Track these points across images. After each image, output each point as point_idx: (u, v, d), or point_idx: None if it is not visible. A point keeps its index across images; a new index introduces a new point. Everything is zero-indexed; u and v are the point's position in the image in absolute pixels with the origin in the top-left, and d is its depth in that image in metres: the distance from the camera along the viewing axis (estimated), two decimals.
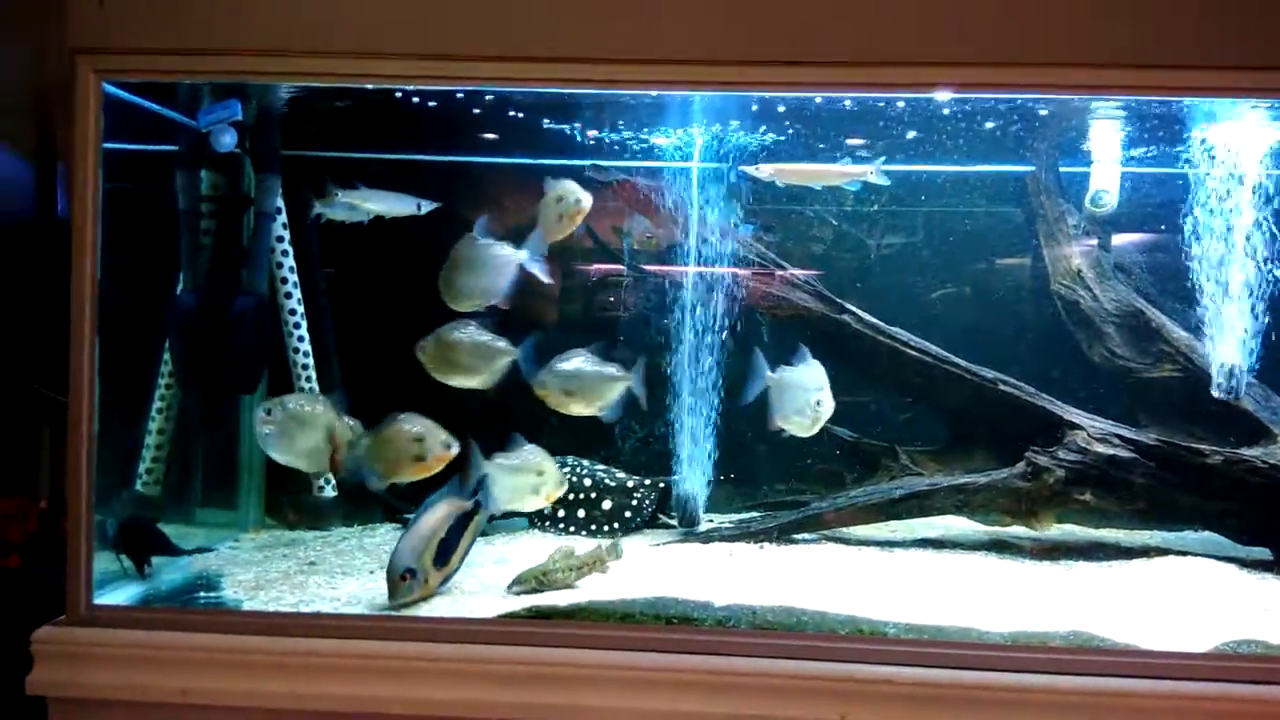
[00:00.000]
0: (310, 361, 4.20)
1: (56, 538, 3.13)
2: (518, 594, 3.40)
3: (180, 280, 3.96)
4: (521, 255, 3.55)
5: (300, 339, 4.20)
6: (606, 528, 4.28)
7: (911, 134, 4.08)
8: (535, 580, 3.43)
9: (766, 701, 2.83)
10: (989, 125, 4.02)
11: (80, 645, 2.97)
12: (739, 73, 2.97)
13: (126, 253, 3.26)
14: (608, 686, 2.88)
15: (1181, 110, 3.73)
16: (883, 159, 3.93)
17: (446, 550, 3.36)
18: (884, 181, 3.99)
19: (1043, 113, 3.93)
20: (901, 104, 3.73)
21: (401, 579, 3.24)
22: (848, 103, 3.70)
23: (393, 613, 3.20)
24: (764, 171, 4.01)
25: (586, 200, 3.63)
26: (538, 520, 4.36)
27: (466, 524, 3.42)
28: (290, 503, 4.11)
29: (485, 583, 3.52)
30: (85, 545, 3.03)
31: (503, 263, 3.54)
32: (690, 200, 4.35)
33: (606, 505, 4.35)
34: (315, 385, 4.19)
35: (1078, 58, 2.86)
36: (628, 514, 4.31)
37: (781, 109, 3.88)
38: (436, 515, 3.36)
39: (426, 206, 3.91)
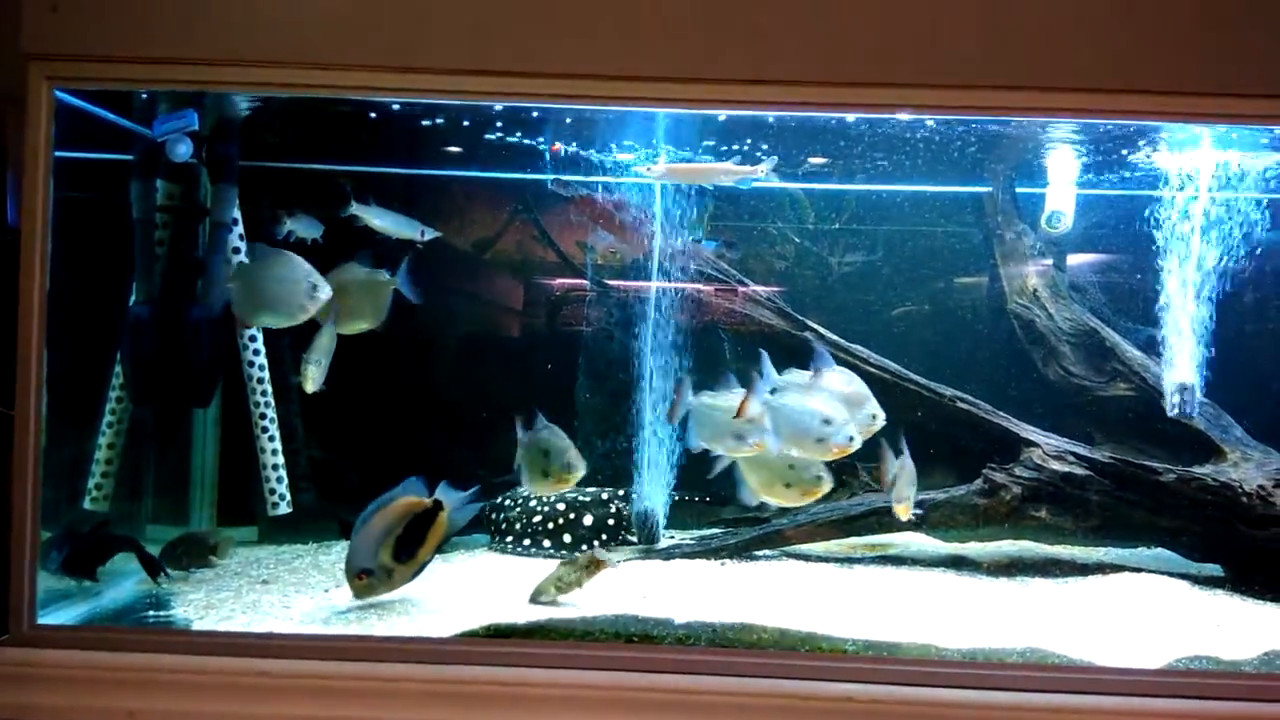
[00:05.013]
0: (266, 375, 4.13)
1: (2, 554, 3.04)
2: (544, 603, 3.45)
3: (133, 291, 3.89)
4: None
5: (256, 351, 4.13)
6: (596, 543, 4.27)
7: (876, 155, 4.12)
8: (555, 588, 3.47)
9: (726, 719, 2.82)
10: (947, 146, 4.06)
11: (24, 666, 2.89)
12: (705, 90, 2.97)
13: (78, 263, 3.19)
14: (567, 706, 2.85)
15: (1137, 133, 3.80)
16: (775, 158, 3.90)
17: (410, 546, 3.36)
18: (773, 180, 3.97)
19: (998, 133, 3.98)
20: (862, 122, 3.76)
21: (358, 578, 3.30)
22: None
23: (347, 633, 3.16)
24: (656, 171, 4.02)
25: None
26: (520, 545, 4.32)
27: (429, 522, 3.42)
28: (183, 545, 4.01)
29: (443, 600, 3.48)
30: (29, 563, 2.95)
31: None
32: (654, 216, 4.35)
33: (588, 521, 4.33)
34: (270, 399, 4.12)
35: (1056, 82, 2.90)
36: (611, 523, 4.31)
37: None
38: (389, 513, 3.37)
39: (429, 234, 3.94)
